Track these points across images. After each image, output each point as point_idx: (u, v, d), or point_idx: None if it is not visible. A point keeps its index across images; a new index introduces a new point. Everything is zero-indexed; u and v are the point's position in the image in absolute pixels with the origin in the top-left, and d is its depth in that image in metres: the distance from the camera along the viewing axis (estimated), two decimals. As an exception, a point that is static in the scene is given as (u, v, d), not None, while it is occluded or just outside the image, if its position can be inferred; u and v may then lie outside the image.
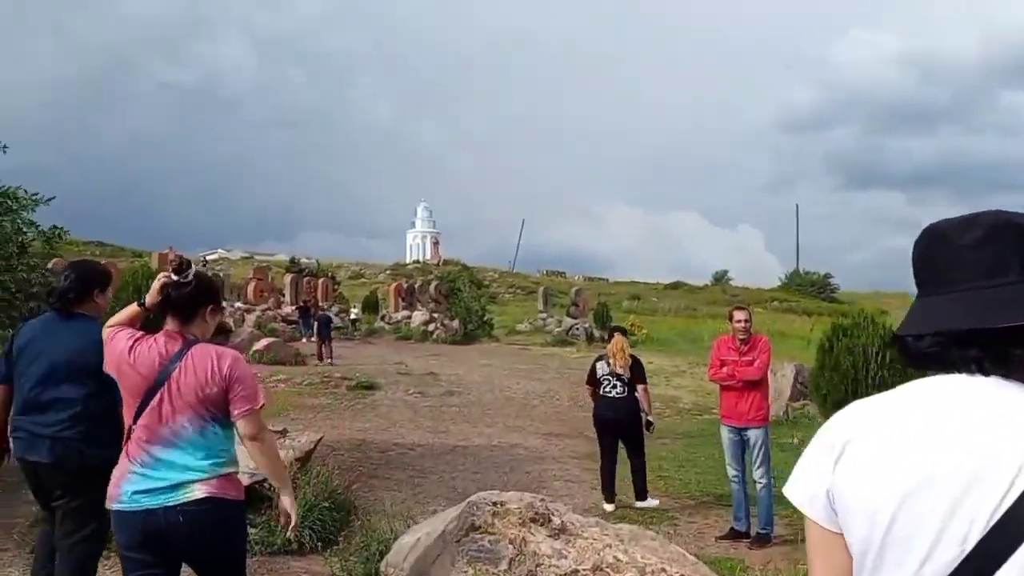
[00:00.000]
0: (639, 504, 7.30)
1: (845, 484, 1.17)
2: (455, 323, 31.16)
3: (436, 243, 79.06)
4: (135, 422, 2.85)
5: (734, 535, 6.43)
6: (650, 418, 7.38)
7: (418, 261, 72.04)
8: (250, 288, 29.82)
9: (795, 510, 1.26)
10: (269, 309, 28.88)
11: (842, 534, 1.19)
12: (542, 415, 13.24)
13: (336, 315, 34.46)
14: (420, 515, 6.14)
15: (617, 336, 7.64)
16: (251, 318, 27.01)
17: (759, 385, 6.51)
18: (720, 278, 61.22)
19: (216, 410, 2.86)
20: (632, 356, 7.51)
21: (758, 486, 6.40)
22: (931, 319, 1.17)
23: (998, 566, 1.04)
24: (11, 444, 3.72)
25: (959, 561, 1.07)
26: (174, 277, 2.94)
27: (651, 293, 53.69)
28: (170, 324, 2.94)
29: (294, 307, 28.95)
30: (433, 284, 35.36)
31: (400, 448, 9.49)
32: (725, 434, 6.62)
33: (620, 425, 7.35)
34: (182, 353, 2.85)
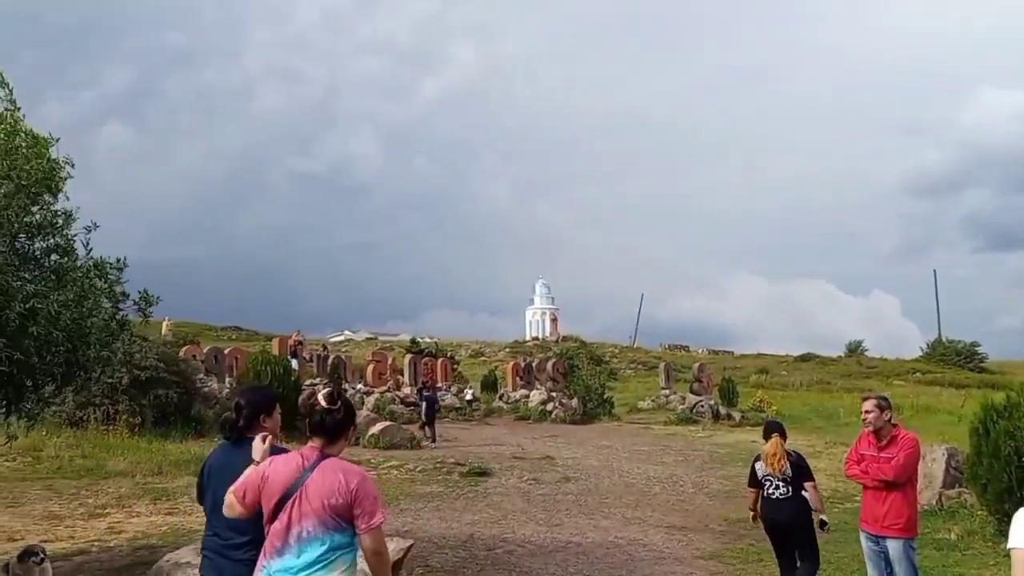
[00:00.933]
0: None
1: None
2: (574, 402, 30.47)
3: (555, 320, 78.75)
4: (269, 525, 3.28)
5: None
6: (823, 517, 6.54)
7: (537, 338, 71.85)
8: (369, 370, 30.13)
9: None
10: (388, 391, 29.02)
11: None
12: (664, 504, 12.37)
13: (455, 395, 34.51)
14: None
15: (775, 439, 6.78)
16: (370, 400, 27.17)
17: (900, 488, 5.70)
18: (854, 349, 57.82)
19: (340, 520, 3.22)
20: (793, 452, 6.76)
21: None
22: None
23: None
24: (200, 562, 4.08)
25: None
26: (324, 404, 3.39)
27: (780, 366, 51.27)
28: (314, 442, 3.39)
29: (413, 389, 28.97)
30: (551, 362, 34.85)
31: (509, 544, 8.92)
32: (864, 541, 5.83)
33: (789, 529, 6.58)
34: (316, 464, 3.30)
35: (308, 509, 3.20)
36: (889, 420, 5.86)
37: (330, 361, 32.97)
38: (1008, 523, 8.62)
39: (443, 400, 32.63)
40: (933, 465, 12.23)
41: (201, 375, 23.18)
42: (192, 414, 20.55)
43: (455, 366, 43.53)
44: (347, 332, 74.98)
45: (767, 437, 6.87)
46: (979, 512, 10.08)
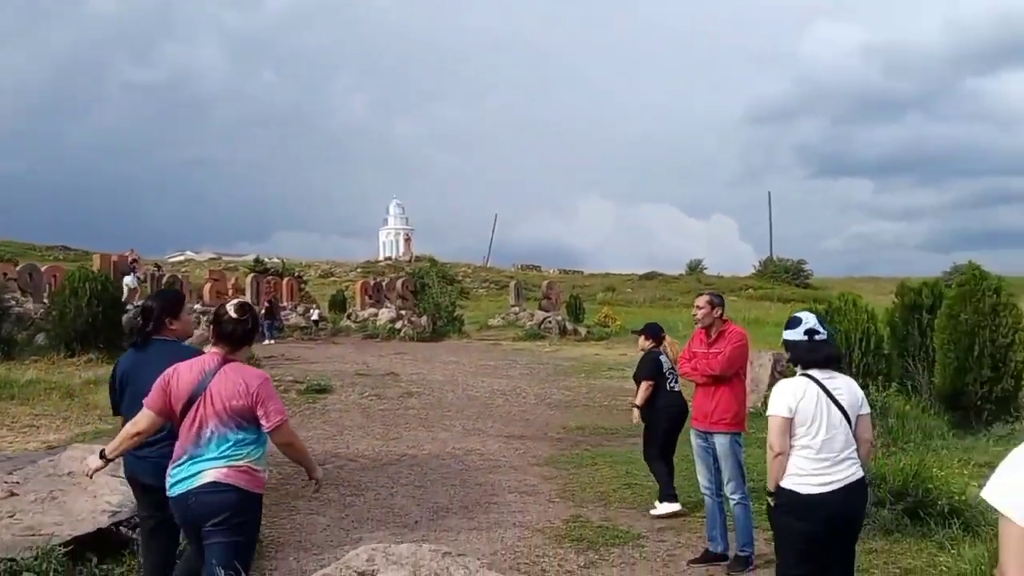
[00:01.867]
0: (663, 510, 6.54)
1: None
2: (423, 319, 30.21)
3: (408, 239, 77.82)
4: (179, 427, 3.54)
5: (709, 558, 5.54)
6: None
7: (390, 258, 70.88)
8: (207, 289, 28.63)
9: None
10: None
11: None
12: (505, 415, 12.34)
13: (300, 315, 33.45)
14: (340, 546, 5.22)
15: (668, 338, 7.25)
16: (207, 320, 25.79)
17: (728, 383, 5.65)
18: (695, 268, 60.54)
19: (242, 419, 3.46)
20: None
21: (731, 502, 5.56)
22: None
23: None
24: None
25: None
26: (234, 315, 3.62)
27: (625, 284, 52.95)
28: (217, 349, 3.62)
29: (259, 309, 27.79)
30: (400, 280, 34.34)
31: (340, 460, 8.55)
32: (693, 439, 5.80)
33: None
34: (217, 369, 3.53)
35: (212, 411, 3.45)
36: (720, 316, 5.79)
37: (164, 281, 31.21)
38: None
39: (287, 319, 31.67)
40: (760, 370, 12.75)
41: (15, 294, 21.21)
42: (1, 335, 18.76)
43: (302, 286, 42.24)
44: (189, 252, 71.46)
45: (656, 337, 7.10)
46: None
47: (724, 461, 5.57)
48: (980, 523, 5.64)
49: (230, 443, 3.46)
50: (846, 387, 3.78)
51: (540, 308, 33.76)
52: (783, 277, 52.97)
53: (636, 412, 6.96)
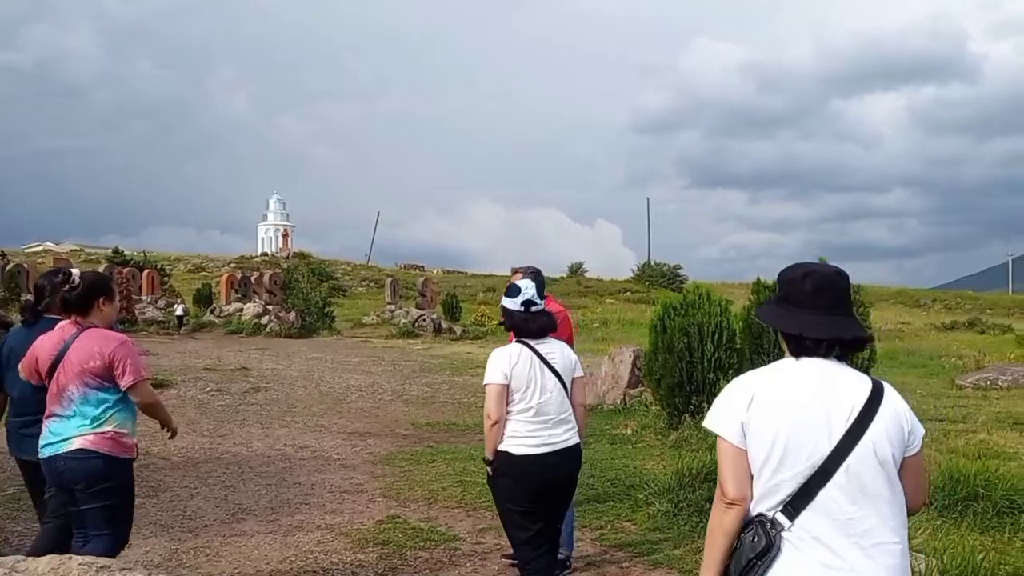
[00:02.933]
0: None
1: (756, 419, 2.09)
2: (291, 315, 28.97)
3: (286, 235, 75.45)
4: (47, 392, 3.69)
5: None
6: None
7: (266, 254, 68.44)
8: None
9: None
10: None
11: (746, 450, 2.09)
12: (355, 411, 11.61)
13: (160, 308, 31.53)
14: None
15: None
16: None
17: None
18: (575, 270, 61.03)
19: (101, 380, 3.59)
20: None
21: None
22: (810, 327, 2.12)
23: (847, 454, 2.04)
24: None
25: (828, 454, 2.04)
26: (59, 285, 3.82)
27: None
28: (71, 318, 3.75)
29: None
30: (268, 275, 32.87)
31: (151, 458, 7.63)
32: None
33: None
34: (77, 335, 3.66)
35: (72, 374, 3.55)
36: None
37: (7, 270, 28.83)
38: (678, 416, 8.44)
39: (143, 313, 29.78)
40: (620, 366, 12.51)
41: None
42: None
43: (165, 279, 39.97)
44: (49, 243, 67.39)
45: None
46: (654, 407, 10.33)
47: None
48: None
49: (92, 404, 3.55)
50: (559, 352, 3.87)
51: (416, 306, 33.01)
52: (659, 281, 53.98)
53: None
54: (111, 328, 3.87)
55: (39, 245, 66.97)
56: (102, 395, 3.61)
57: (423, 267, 68.63)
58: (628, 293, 49.53)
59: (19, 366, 3.81)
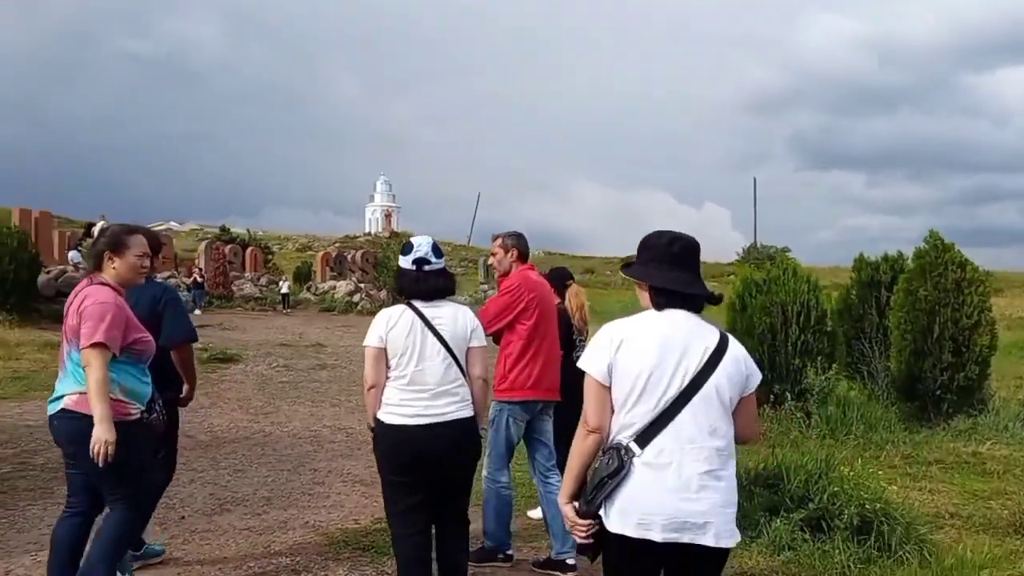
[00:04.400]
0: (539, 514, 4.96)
1: (622, 360, 2.37)
2: (382, 293, 28.87)
3: (388, 215, 76.41)
4: None
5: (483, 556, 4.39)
6: None
7: (370, 234, 69.42)
8: (150, 254, 27.21)
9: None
10: (172, 277, 26.35)
11: (610, 387, 2.39)
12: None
13: (263, 286, 32.09)
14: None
15: (575, 286, 5.41)
16: (150, 287, 24.51)
17: (501, 339, 4.40)
18: (679, 252, 59.16)
19: (76, 339, 3.30)
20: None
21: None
22: (677, 283, 2.45)
23: (695, 392, 2.35)
24: None
25: (680, 391, 2.35)
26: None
27: (605, 267, 51.65)
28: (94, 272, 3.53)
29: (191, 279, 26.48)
30: (360, 252, 32.97)
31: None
32: None
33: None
34: (81, 289, 3.44)
35: (65, 327, 3.38)
36: (516, 260, 4.54)
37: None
38: (766, 407, 7.32)
39: (242, 289, 30.34)
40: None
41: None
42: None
43: (269, 257, 40.81)
44: (172, 223, 70.24)
45: (562, 285, 5.27)
46: (730, 395, 9.31)
47: (488, 433, 4.36)
48: (906, 540, 4.36)
49: (76, 365, 3.31)
50: (451, 316, 3.47)
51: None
52: (765, 264, 51.65)
53: None
54: (130, 287, 3.54)
55: (163, 224, 69.96)
56: (78, 355, 3.31)
57: (524, 248, 67.94)
58: (732, 276, 47.60)
59: None
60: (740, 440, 2.48)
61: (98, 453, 3.13)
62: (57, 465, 6.10)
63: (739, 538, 2.43)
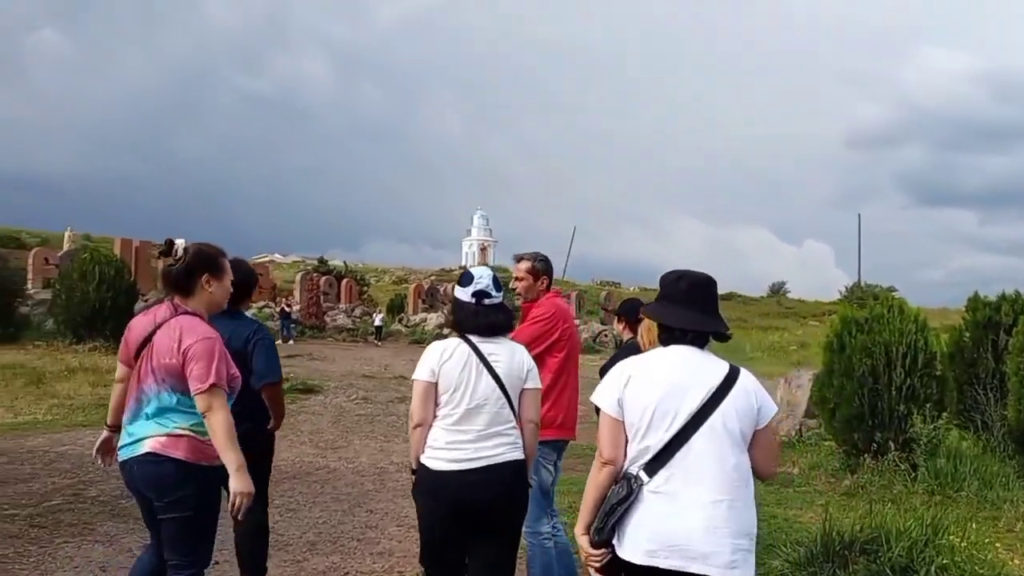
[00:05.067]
0: None
1: (630, 394, 2.47)
2: (471, 327, 28.77)
3: (484, 249, 77.07)
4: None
5: None
6: None
7: (465, 267, 70.13)
8: (246, 284, 27.99)
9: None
10: (268, 306, 26.97)
11: (623, 421, 2.47)
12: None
13: (357, 317, 32.56)
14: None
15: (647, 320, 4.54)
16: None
17: None
18: (777, 290, 57.25)
19: (174, 379, 3.00)
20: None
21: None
22: (680, 320, 2.53)
23: (700, 424, 2.40)
24: None
25: (687, 421, 2.40)
26: (163, 259, 3.24)
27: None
28: (172, 299, 3.16)
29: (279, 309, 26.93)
30: (453, 285, 33.04)
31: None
32: None
33: None
34: (165, 321, 3.07)
35: (149, 367, 3.05)
36: (546, 288, 4.21)
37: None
38: (856, 456, 6.64)
39: (334, 320, 30.84)
40: (797, 391, 10.74)
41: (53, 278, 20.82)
42: (13, 318, 18.23)
43: (364, 289, 41.48)
44: (276, 255, 72.60)
45: (635, 318, 4.53)
46: (826, 442, 8.57)
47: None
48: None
49: (165, 406, 3.02)
50: (507, 354, 3.20)
51: (600, 322, 31.96)
52: (869, 302, 49.37)
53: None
54: (214, 315, 3.27)
55: (267, 256, 72.31)
56: (176, 397, 3.03)
57: (618, 284, 67.35)
58: (834, 315, 45.67)
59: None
60: (759, 475, 2.54)
61: (239, 507, 2.95)
62: (109, 499, 6.02)
63: (751, 572, 2.43)
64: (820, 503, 6.61)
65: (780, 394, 10.92)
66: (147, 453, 3.00)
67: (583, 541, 2.49)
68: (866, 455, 7.34)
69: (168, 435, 3.01)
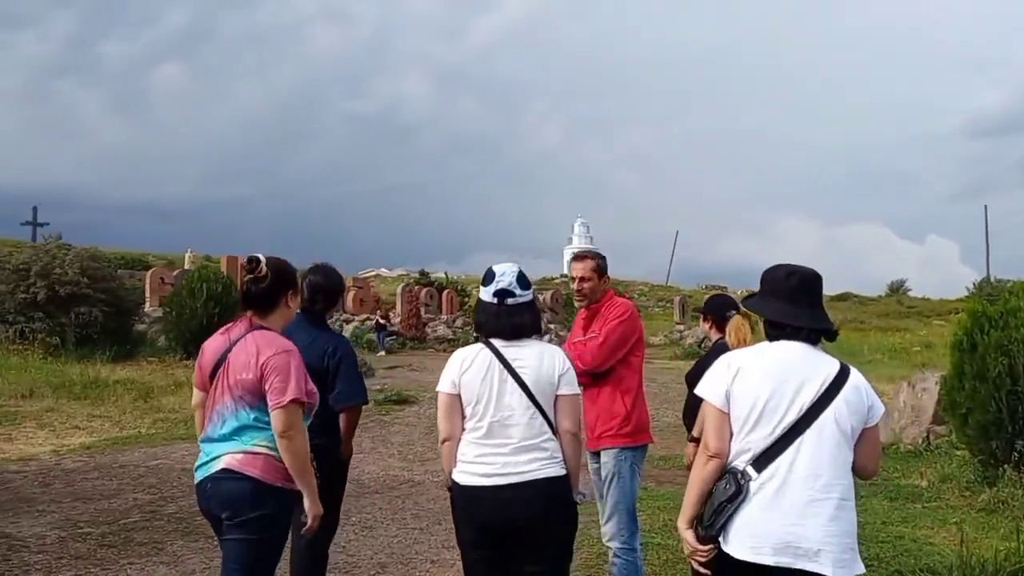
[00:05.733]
0: None
1: (738, 387, 2.43)
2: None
3: (584, 257, 76.37)
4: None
5: None
6: None
7: (565, 275, 69.76)
8: (349, 297, 28.51)
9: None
10: (369, 319, 27.33)
11: (729, 413, 2.44)
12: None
13: (459, 329, 32.62)
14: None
15: (737, 318, 4.11)
16: (349, 328, 25.62)
17: (608, 379, 3.84)
18: (896, 288, 54.16)
19: (253, 395, 2.91)
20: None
21: (610, 552, 3.84)
22: (788, 317, 2.48)
23: (812, 420, 2.35)
24: None
25: (798, 418, 2.36)
26: (248, 275, 3.11)
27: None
28: (248, 315, 3.08)
29: (373, 321, 27.07)
30: (550, 293, 32.77)
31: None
32: (589, 464, 3.96)
33: None
34: (241, 337, 3.00)
35: (226, 384, 2.96)
36: (604, 284, 4.00)
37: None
38: (994, 466, 6.00)
39: (435, 331, 30.94)
40: (923, 396, 9.85)
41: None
42: (129, 336, 18.91)
43: (465, 299, 41.65)
44: (383, 270, 74.15)
45: (722, 316, 4.20)
46: (959, 452, 7.73)
47: (607, 488, 3.80)
48: None
49: (243, 424, 2.93)
50: (536, 358, 2.91)
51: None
52: (1003, 296, 46.06)
53: (690, 449, 4.07)
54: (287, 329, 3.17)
55: (373, 271, 73.92)
56: (255, 414, 2.94)
57: (725, 287, 65.53)
58: (961, 313, 42.85)
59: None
60: (859, 473, 2.51)
61: (312, 530, 2.95)
62: (186, 515, 5.89)
63: (861, 569, 2.39)
64: (954, 520, 5.90)
65: (903, 398, 10.05)
66: (223, 470, 2.91)
67: (688, 535, 2.47)
68: (1006, 465, 6.55)
69: (245, 452, 2.91)
